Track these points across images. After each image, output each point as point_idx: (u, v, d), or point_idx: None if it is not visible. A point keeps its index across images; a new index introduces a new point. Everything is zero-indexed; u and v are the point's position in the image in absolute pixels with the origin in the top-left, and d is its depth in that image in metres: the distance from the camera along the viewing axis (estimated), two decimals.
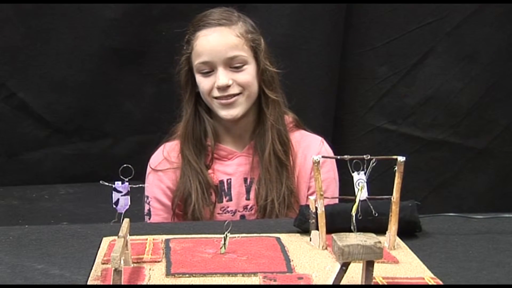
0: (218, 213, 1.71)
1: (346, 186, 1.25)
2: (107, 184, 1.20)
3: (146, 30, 2.51)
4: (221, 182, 1.73)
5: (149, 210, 1.74)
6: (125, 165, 1.20)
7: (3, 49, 2.48)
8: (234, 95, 1.68)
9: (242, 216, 1.71)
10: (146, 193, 1.75)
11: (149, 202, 1.74)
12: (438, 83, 2.54)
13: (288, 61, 2.47)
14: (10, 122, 2.54)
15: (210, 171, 1.73)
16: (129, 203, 1.20)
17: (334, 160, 1.74)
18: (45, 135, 2.58)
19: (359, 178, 1.19)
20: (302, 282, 1.01)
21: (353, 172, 1.19)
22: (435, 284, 1.06)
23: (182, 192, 1.70)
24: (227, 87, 1.66)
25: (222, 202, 1.72)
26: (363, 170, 1.19)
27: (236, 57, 1.67)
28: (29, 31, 2.47)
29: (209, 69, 1.68)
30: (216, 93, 1.68)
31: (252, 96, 1.70)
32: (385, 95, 2.55)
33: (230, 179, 1.73)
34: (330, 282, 1.02)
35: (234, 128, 1.75)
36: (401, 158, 1.21)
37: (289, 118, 1.79)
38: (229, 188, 1.73)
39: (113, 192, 1.19)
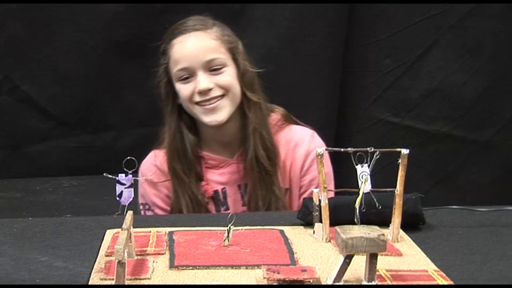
0: None
1: (350, 178, 1.25)
2: (110, 176, 1.20)
3: (149, 23, 2.50)
4: (216, 192, 1.71)
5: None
6: (128, 158, 1.20)
7: (7, 42, 2.48)
8: (217, 98, 1.64)
9: None
10: (143, 201, 1.72)
11: (149, 208, 1.71)
12: (442, 75, 2.53)
13: (292, 53, 2.50)
14: (14, 115, 2.54)
15: (203, 182, 1.70)
16: (133, 196, 1.20)
17: (327, 153, 1.72)
18: (49, 128, 2.58)
19: (363, 171, 1.19)
20: (305, 275, 1.01)
21: (356, 164, 1.18)
22: (439, 276, 1.06)
23: (175, 207, 1.68)
24: (209, 90, 1.63)
25: (219, 211, 1.70)
26: (366, 162, 1.18)
27: (215, 59, 1.64)
28: (33, 23, 2.47)
29: (189, 75, 1.65)
30: (197, 98, 1.64)
31: (235, 99, 1.67)
32: (389, 87, 2.54)
33: (225, 188, 1.71)
34: (333, 274, 1.02)
35: (221, 135, 1.71)
36: (404, 151, 1.20)
37: (277, 115, 1.75)
38: (225, 197, 1.71)
39: (117, 184, 1.19)
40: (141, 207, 1.72)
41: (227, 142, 1.72)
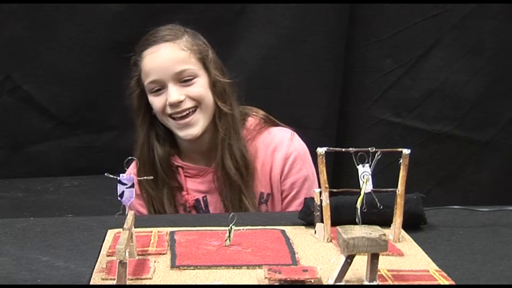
0: None
1: (351, 178, 1.25)
2: (112, 176, 1.20)
3: (150, 23, 2.49)
4: (197, 200, 1.71)
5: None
6: (129, 158, 1.20)
7: (8, 42, 2.48)
8: (189, 110, 1.63)
9: None
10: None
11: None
12: (443, 75, 2.53)
13: (293, 53, 2.50)
14: (15, 115, 2.54)
15: (184, 192, 1.70)
16: (134, 196, 1.19)
17: (308, 156, 1.71)
18: (50, 128, 2.58)
19: (364, 171, 1.19)
20: (307, 275, 1.01)
21: (358, 164, 1.18)
22: (440, 276, 1.05)
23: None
24: (180, 102, 1.62)
25: None
26: (368, 162, 1.18)
27: (185, 70, 1.63)
28: (34, 23, 2.47)
29: (160, 87, 1.64)
30: (169, 110, 1.63)
31: (208, 110, 1.65)
32: (390, 87, 2.54)
33: (206, 196, 1.70)
34: (335, 274, 1.02)
35: (197, 146, 1.70)
36: (406, 151, 1.20)
37: (255, 119, 1.73)
38: (206, 205, 1.70)
39: (118, 184, 1.19)
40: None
41: (204, 152, 1.71)
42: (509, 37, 2.51)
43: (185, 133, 1.64)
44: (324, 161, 1.22)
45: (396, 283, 1.02)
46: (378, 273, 1.02)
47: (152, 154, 1.68)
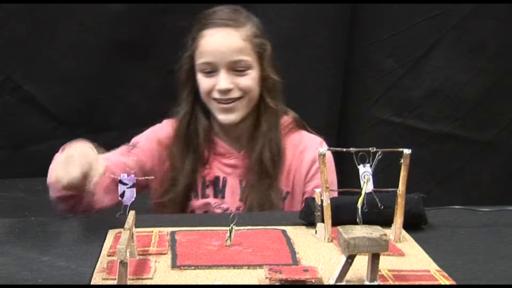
0: (211, 208, 1.70)
1: (352, 178, 1.25)
2: (112, 176, 1.20)
3: (151, 23, 2.50)
4: (217, 178, 1.71)
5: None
6: (131, 158, 1.20)
7: (9, 42, 2.48)
8: (234, 99, 1.65)
9: None
10: (133, 142, 1.70)
11: (131, 150, 1.68)
12: (444, 75, 2.53)
13: (293, 53, 2.49)
14: (16, 115, 2.54)
15: (207, 166, 1.71)
16: (135, 195, 1.20)
17: (332, 162, 1.72)
18: (51, 128, 2.58)
19: (365, 171, 1.19)
20: (307, 275, 1.01)
21: (358, 164, 1.18)
22: (441, 276, 1.05)
23: (164, 187, 1.68)
24: (228, 91, 1.64)
25: (217, 197, 1.70)
26: (368, 162, 1.18)
27: (240, 61, 1.64)
28: (35, 23, 2.47)
29: (212, 70, 1.65)
30: (216, 95, 1.65)
31: (252, 102, 1.67)
32: (391, 87, 2.54)
33: (226, 178, 1.71)
34: (335, 274, 1.02)
35: (231, 131, 1.72)
36: (407, 151, 1.20)
37: (289, 118, 1.76)
38: (224, 186, 1.71)
39: (119, 184, 1.19)
40: (127, 143, 1.71)
41: (236, 137, 1.73)
42: (510, 37, 2.51)
43: (224, 117, 1.66)
44: (325, 161, 1.22)
45: (397, 283, 1.02)
46: (379, 273, 1.02)
47: (194, 121, 1.70)
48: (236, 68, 1.64)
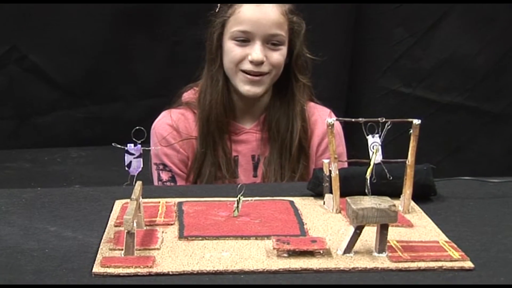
0: None
1: (361, 149, 1.24)
2: (119, 146, 1.19)
3: None
4: (228, 158, 1.69)
5: (172, 176, 1.66)
6: (137, 128, 1.19)
7: (15, 11, 2.46)
8: (263, 73, 1.62)
9: None
10: (157, 161, 1.67)
11: (163, 168, 1.67)
12: (454, 45, 2.50)
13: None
14: (22, 85, 2.54)
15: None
16: (142, 166, 1.19)
17: (341, 133, 1.71)
18: (57, 98, 2.58)
19: (374, 141, 1.17)
20: (315, 245, 1.00)
21: (367, 135, 1.17)
22: (450, 247, 1.05)
23: (197, 165, 1.65)
24: (261, 63, 1.61)
25: (230, 177, 1.67)
26: (377, 133, 1.17)
27: (277, 35, 1.62)
28: None
29: (246, 39, 1.61)
30: (246, 66, 1.61)
31: (276, 77, 1.66)
32: (400, 57, 2.52)
33: (237, 156, 1.69)
34: (343, 245, 1.01)
35: (247, 104, 1.69)
36: (416, 121, 1.19)
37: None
38: (236, 166, 1.69)
39: (126, 154, 1.18)
40: (154, 167, 1.67)
41: (248, 111, 1.70)
42: None
43: (249, 88, 1.63)
44: (333, 132, 1.21)
45: (405, 254, 1.01)
46: (388, 244, 1.02)
47: (232, 98, 1.67)
48: (272, 42, 1.62)
